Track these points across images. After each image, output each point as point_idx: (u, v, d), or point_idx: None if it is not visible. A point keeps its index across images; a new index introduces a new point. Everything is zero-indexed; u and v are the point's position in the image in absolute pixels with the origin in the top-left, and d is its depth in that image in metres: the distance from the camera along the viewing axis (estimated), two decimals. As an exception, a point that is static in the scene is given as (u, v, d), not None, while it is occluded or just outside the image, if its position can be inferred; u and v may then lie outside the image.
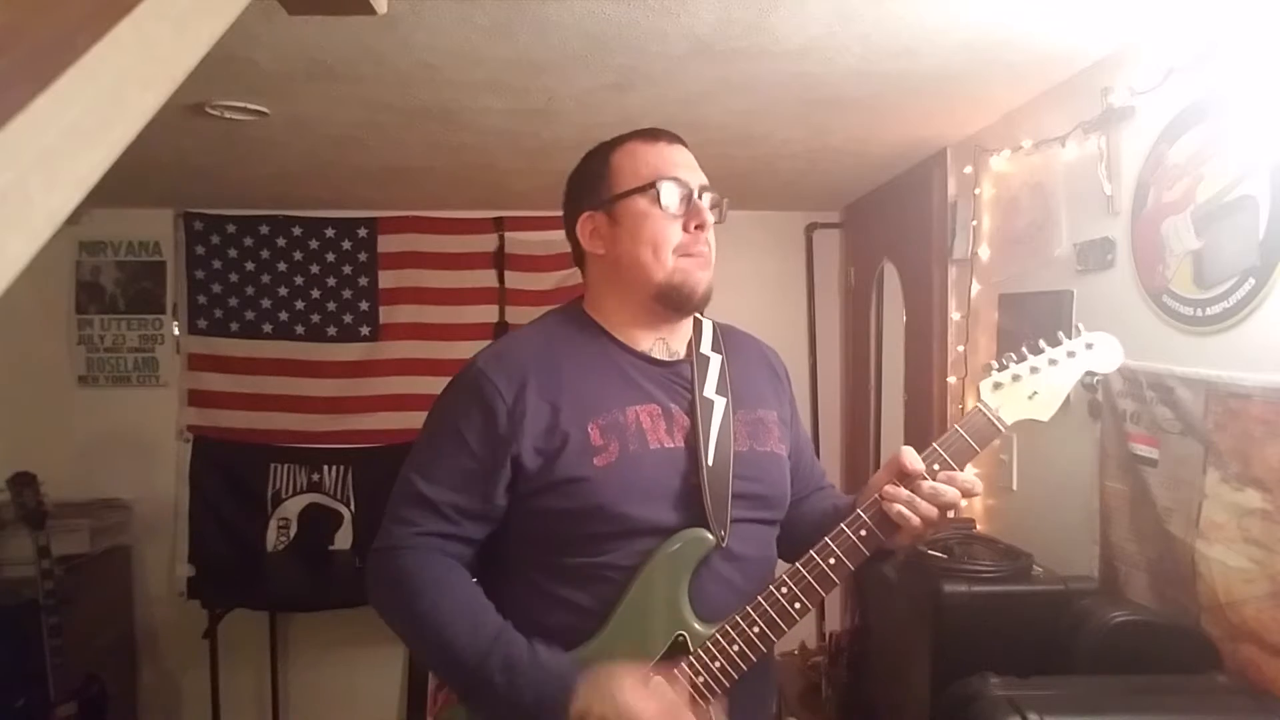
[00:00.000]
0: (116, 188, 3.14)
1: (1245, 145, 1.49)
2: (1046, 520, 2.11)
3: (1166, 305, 1.67)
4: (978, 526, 2.26)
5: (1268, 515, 1.41)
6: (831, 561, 1.21)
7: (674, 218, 1.27)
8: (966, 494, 1.22)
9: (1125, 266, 1.81)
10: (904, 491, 1.20)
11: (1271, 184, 1.43)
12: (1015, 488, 2.27)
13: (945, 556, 1.78)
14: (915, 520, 1.19)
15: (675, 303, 1.30)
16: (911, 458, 1.21)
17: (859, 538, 1.22)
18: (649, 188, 1.27)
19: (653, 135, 1.34)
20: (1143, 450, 1.71)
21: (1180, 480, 1.60)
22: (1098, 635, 1.54)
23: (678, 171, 1.29)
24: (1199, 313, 1.58)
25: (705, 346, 1.38)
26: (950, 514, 1.23)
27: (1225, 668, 1.46)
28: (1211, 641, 1.50)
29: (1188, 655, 1.48)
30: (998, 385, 1.27)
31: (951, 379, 2.61)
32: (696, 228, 1.28)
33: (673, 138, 1.34)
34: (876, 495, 1.22)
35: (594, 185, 1.33)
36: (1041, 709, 1.26)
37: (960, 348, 2.55)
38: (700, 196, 1.30)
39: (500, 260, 3.75)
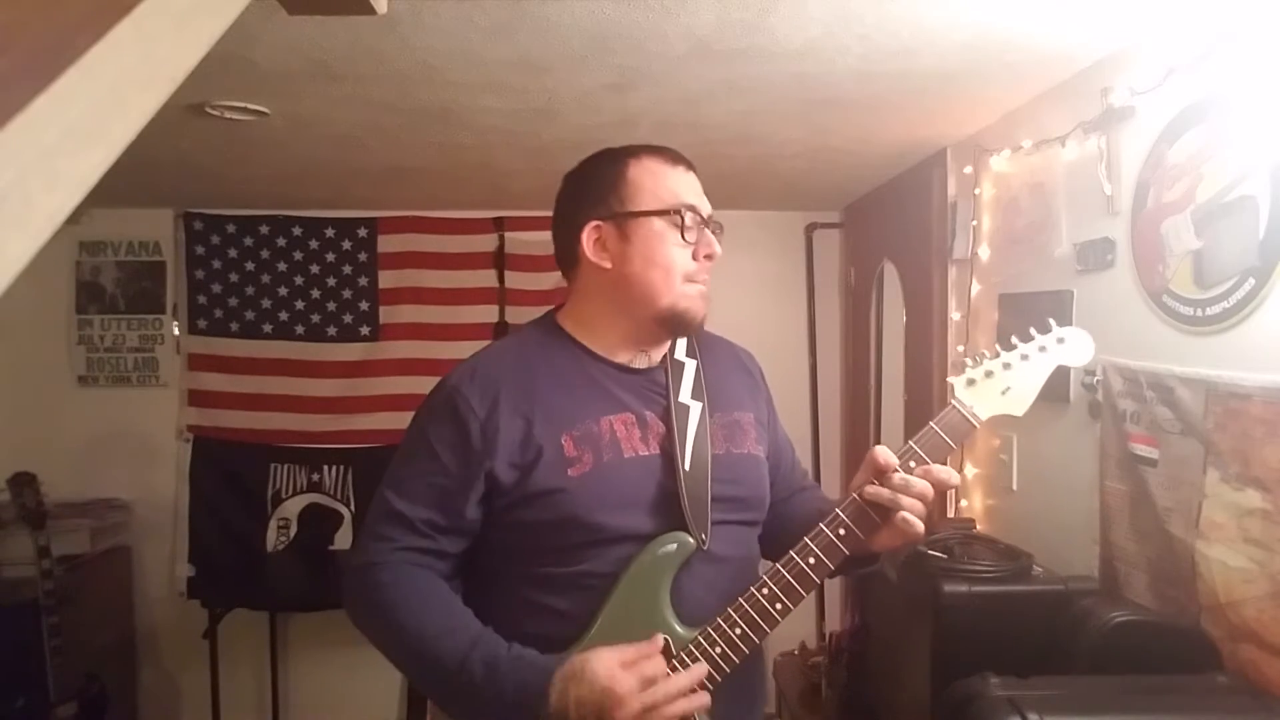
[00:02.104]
0: (116, 188, 3.14)
1: (1245, 145, 1.49)
2: (1046, 520, 2.11)
3: (1166, 305, 1.67)
4: (978, 526, 2.26)
5: (1268, 515, 1.41)
6: (811, 561, 1.22)
7: (688, 245, 1.29)
8: (939, 486, 1.22)
9: (1125, 266, 1.81)
10: (884, 490, 1.21)
11: (1271, 184, 1.43)
12: (1015, 488, 2.27)
13: (945, 556, 1.78)
14: (895, 513, 1.19)
15: (675, 327, 1.33)
16: (884, 454, 1.22)
17: (838, 536, 1.22)
18: (673, 213, 1.28)
19: (672, 158, 1.34)
20: (1143, 450, 1.71)
21: (1180, 480, 1.60)
22: (1098, 635, 1.54)
23: (695, 199, 1.31)
24: (1199, 313, 1.58)
25: (680, 352, 1.39)
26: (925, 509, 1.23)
27: (1225, 668, 1.46)
28: (1211, 641, 1.50)
29: (1188, 655, 1.48)
30: (971, 381, 1.28)
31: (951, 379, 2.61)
32: (706, 258, 1.31)
33: (689, 164, 1.35)
34: (855, 494, 1.23)
35: (604, 195, 1.31)
36: (1041, 709, 1.26)
37: (960, 348, 2.55)
38: (708, 227, 1.32)
39: (500, 260, 3.75)
